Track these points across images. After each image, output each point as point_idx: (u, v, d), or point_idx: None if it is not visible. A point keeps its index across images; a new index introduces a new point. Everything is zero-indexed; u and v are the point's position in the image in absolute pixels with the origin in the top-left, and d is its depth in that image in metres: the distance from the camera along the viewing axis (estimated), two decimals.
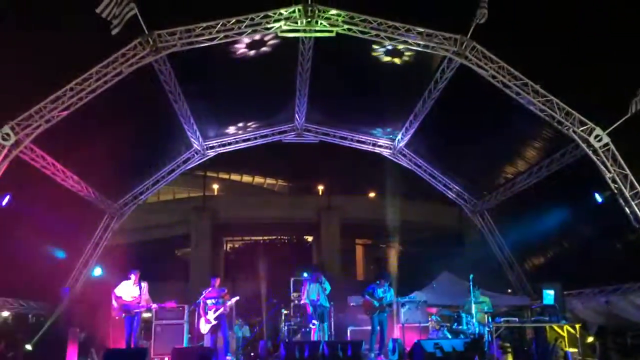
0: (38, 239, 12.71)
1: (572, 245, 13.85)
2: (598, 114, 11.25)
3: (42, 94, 10.90)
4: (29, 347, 10.07)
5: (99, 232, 15.35)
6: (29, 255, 12.50)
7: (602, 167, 11.22)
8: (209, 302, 11.31)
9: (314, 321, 11.37)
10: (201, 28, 11.27)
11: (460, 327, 11.92)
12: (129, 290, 11.04)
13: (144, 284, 11.20)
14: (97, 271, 14.36)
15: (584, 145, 11.33)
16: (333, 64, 13.37)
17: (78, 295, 13.64)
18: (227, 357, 11.03)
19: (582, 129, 11.30)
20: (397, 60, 12.59)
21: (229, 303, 11.37)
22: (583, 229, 13.24)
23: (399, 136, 16.10)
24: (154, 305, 11.41)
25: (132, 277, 11.07)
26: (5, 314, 13.43)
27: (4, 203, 10.57)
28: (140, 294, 11.02)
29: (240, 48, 12.18)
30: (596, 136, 11.19)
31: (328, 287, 11.49)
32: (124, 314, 10.90)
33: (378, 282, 11.88)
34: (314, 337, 11.38)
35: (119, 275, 11.83)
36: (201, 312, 11.38)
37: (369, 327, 11.76)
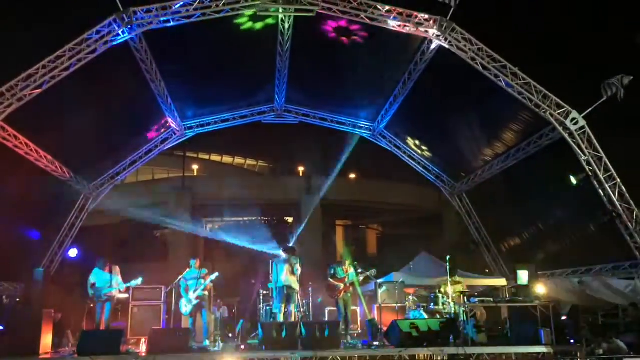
0: (12, 219, 12.50)
1: (547, 227, 14.04)
2: (575, 97, 11.34)
3: (13, 72, 10.62)
4: (0, 327, 9.91)
5: (75, 213, 15.12)
6: (3, 236, 12.31)
7: (577, 149, 11.35)
8: (189, 283, 11.24)
9: (275, 310, 11.22)
10: (178, 5, 11.03)
11: (436, 307, 12.10)
12: (101, 276, 10.94)
13: (116, 269, 11.08)
14: (73, 252, 14.20)
15: (560, 128, 11.44)
16: (313, 45, 13.23)
17: (53, 276, 13.47)
18: (205, 343, 10.98)
19: (558, 112, 11.41)
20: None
21: (209, 280, 11.29)
22: (558, 210, 13.41)
23: (379, 118, 16.09)
24: (124, 287, 11.26)
25: (102, 263, 10.97)
26: None
27: None
28: (111, 279, 10.93)
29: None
30: (572, 119, 11.30)
31: (298, 269, 11.15)
32: (96, 300, 10.82)
33: (339, 261, 11.80)
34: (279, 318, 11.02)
35: (95, 257, 11.69)
36: (181, 293, 11.30)
37: None
